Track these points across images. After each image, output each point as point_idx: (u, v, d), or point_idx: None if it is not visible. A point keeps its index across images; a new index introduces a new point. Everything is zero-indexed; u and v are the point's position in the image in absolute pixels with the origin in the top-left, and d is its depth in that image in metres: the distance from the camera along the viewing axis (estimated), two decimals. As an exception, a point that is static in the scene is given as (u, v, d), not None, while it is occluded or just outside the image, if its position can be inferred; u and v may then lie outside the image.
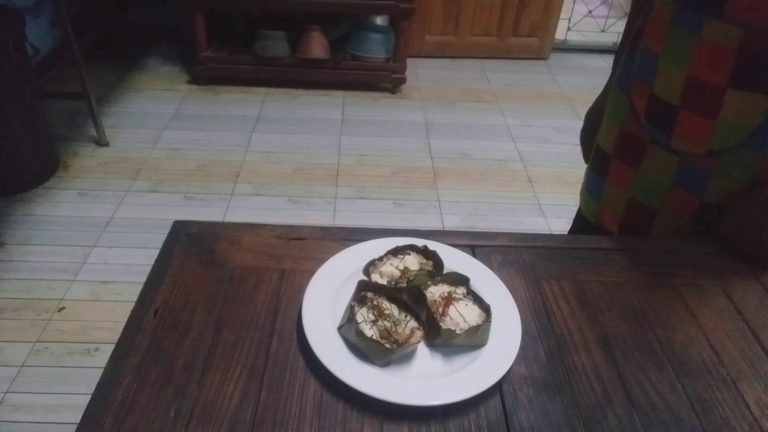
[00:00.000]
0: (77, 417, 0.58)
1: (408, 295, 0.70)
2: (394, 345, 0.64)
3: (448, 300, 0.70)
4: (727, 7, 0.73)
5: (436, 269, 0.75)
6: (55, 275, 1.89)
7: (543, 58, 3.69)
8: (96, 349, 1.67)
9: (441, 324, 0.66)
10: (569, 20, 3.75)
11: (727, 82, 0.77)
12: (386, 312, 0.68)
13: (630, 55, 0.91)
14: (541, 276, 0.79)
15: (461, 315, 0.68)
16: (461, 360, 0.65)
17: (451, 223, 2.27)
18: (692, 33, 0.78)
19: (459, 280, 0.73)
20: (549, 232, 2.18)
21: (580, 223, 1.12)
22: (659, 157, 0.89)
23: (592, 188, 1.04)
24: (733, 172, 0.83)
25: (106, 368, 0.63)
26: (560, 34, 3.70)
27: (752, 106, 0.77)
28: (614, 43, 3.78)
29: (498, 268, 0.79)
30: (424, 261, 0.77)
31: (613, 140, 0.96)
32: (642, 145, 0.90)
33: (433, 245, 0.77)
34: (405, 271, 0.75)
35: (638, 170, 0.92)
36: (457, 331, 0.66)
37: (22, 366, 1.61)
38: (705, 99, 0.79)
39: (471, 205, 2.37)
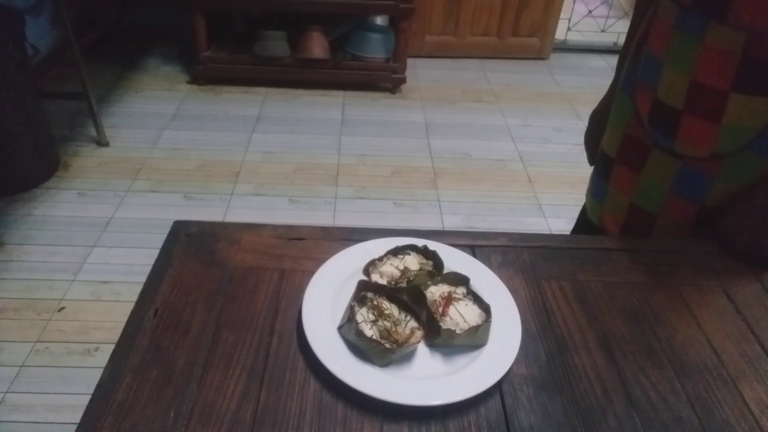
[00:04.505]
0: (77, 417, 0.58)
1: (408, 295, 0.70)
2: (394, 345, 0.64)
3: (448, 300, 0.70)
4: (730, 12, 0.73)
5: (436, 269, 0.75)
6: (55, 275, 1.89)
7: (543, 58, 3.69)
8: (96, 349, 1.67)
9: (441, 324, 0.66)
10: (569, 20, 3.75)
11: (731, 87, 0.77)
12: (386, 312, 0.68)
13: (634, 60, 0.91)
14: (541, 276, 0.79)
15: (461, 315, 0.68)
16: (461, 360, 0.65)
17: (451, 223, 2.27)
18: (696, 38, 0.78)
19: (459, 280, 0.73)
20: (549, 232, 2.18)
21: (583, 224, 1.12)
22: (661, 162, 0.89)
23: (595, 191, 1.04)
24: (736, 174, 0.83)
25: (106, 368, 0.63)
26: (560, 34, 3.70)
27: (757, 110, 0.77)
28: (614, 43, 3.78)
29: (498, 268, 0.79)
30: (424, 261, 0.77)
31: (617, 144, 0.96)
32: (645, 150, 0.90)
33: (433, 245, 0.77)
34: (405, 271, 0.75)
35: (640, 175, 0.92)
36: (457, 331, 0.66)
37: (22, 366, 1.61)
38: (709, 103, 0.79)
39: (471, 205, 2.37)
